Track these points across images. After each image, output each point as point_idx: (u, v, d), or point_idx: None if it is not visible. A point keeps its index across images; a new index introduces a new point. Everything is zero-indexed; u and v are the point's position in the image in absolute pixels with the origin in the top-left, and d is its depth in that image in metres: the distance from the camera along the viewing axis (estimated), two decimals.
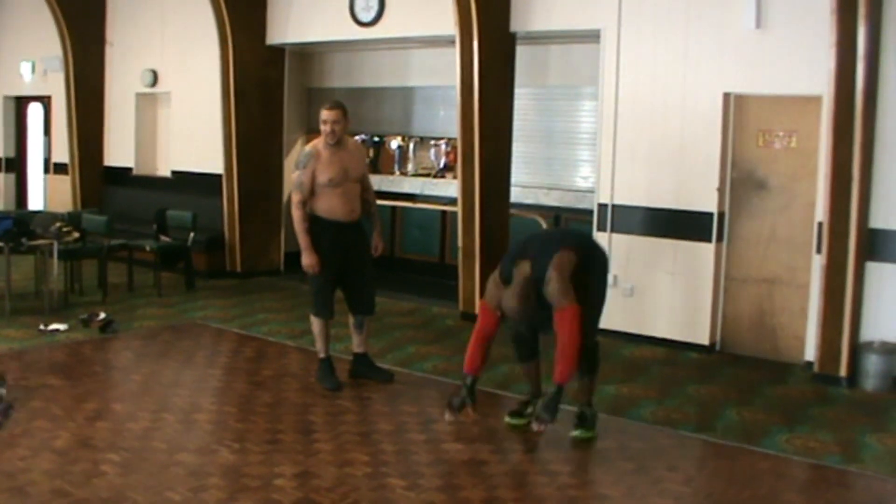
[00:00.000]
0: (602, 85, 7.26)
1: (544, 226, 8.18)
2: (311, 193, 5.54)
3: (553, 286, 4.53)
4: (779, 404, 5.70)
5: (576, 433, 4.91)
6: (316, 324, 5.74)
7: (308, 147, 5.66)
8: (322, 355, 5.78)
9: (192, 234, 8.86)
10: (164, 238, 9.16)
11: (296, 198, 5.55)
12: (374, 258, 5.84)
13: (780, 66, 6.46)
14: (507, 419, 5.11)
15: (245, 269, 9.63)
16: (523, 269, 4.63)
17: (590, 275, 4.76)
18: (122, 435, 4.78)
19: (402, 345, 6.96)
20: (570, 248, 4.70)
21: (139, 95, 11.17)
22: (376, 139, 9.92)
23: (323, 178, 5.51)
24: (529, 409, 5.06)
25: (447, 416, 4.83)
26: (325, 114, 5.52)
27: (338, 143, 5.56)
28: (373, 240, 5.81)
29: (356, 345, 5.89)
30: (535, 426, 4.59)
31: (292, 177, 5.57)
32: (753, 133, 6.74)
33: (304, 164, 5.53)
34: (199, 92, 10.20)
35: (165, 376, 5.95)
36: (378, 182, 9.43)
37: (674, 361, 6.68)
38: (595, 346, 4.93)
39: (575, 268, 4.63)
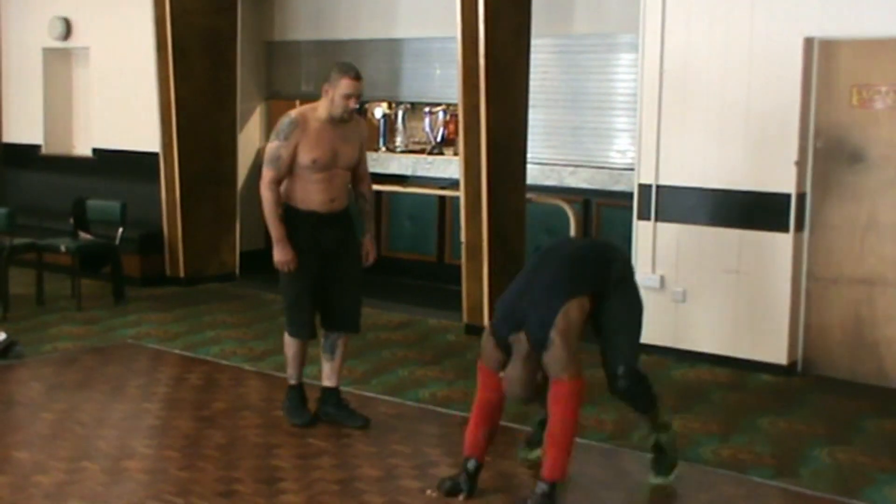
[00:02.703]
0: (644, 33, 7.24)
1: (570, 215, 8.11)
2: (287, 172, 5.47)
3: (553, 354, 4.44)
4: (888, 443, 5.63)
5: (657, 480, 4.93)
6: (292, 346, 5.68)
7: (293, 113, 5.55)
8: (293, 382, 5.75)
9: (120, 231, 8.83)
10: (84, 235, 9.12)
11: (268, 175, 5.46)
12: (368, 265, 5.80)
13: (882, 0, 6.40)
14: (521, 454, 5.14)
15: (190, 273, 9.63)
16: (521, 344, 4.53)
17: (613, 297, 4.74)
18: (26, 492, 4.70)
19: (391, 367, 6.94)
20: (580, 295, 4.58)
21: (47, 51, 11.12)
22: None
23: (306, 157, 5.42)
24: None
25: (430, 493, 4.73)
26: (349, 85, 5.38)
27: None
28: (364, 245, 5.74)
29: (326, 375, 5.77)
30: None
31: (268, 146, 5.51)
32: (846, 89, 6.69)
33: (286, 133, 5.43)
34: (127, 47, 10.17)
35: (86, 413, 5.90)
36: None
37: (741, 386, 6.65)
38: (644, 379, 4.87)
39: (589, 313, 4.63)
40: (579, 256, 4.77)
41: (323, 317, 5.74)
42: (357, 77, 5.42)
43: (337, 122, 5.48)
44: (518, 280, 4.80)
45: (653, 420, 4.95)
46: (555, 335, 4.44)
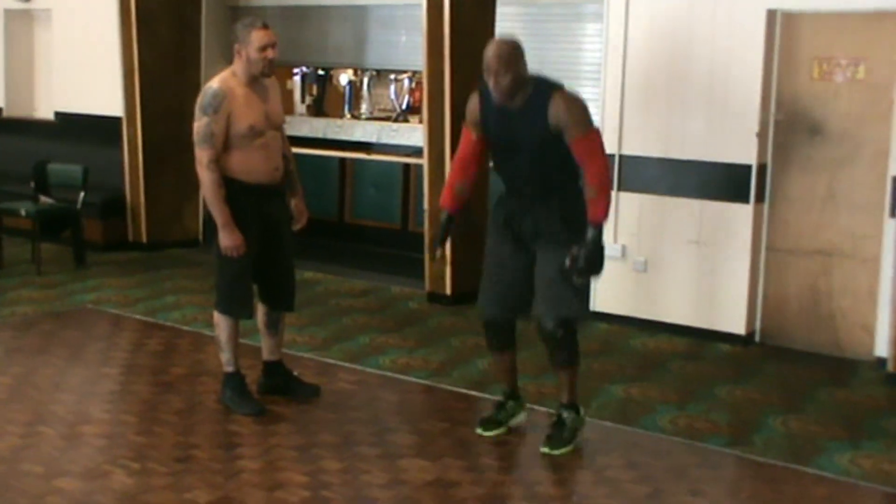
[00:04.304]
0: (609, 2, 7.24)
1: None
2: (223, 147, 5.21)
3: (565, 110, 4.71)
4: (839, 413, 5.68)
5: (544, 449, 4.88)
6: (225, 326, 5.39)
7: (214, 84, 5.26)
8: (231, 368, 5.44)
9: (82, 195, 8.78)
10: (44, 199, 9.05)
11: (206, 155, 5.16)
12: (302, 228, 5.62)
13: None
14: (479, 430, 5.12)
15: (152, 239, 9.60)
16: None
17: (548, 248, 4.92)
18: None
19: (351, 334, 6.94)
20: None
21: (9, 12, 11.04)
22: (321, 73, 9.86)
23: (242, 125, 5.18)
24: (507, 414, 5.16)
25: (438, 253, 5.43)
26: (261, 36, 5.16)
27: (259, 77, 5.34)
28: (295, 206, 5.57)
29: (269, 350, 5.63)
30: (574, 277, 4.74)
31: (196, 125, 5.19)
32: (806, 62, 6.72)
33: (214, 107, 5.15)
34: (91, 9, 10.07)
35: (44, 378, 5.88)
36: (323, 128, 9.39)
37: (699, 356, 6.70)
38: (571, 332, 4.89)
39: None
40: None
41: (265, 294, 5.54)
42: (265, 26, 5.19)
43: (258, 79, 5.24)
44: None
45: (571, 385, 4.96)
46: (556, 98, 4.76)
